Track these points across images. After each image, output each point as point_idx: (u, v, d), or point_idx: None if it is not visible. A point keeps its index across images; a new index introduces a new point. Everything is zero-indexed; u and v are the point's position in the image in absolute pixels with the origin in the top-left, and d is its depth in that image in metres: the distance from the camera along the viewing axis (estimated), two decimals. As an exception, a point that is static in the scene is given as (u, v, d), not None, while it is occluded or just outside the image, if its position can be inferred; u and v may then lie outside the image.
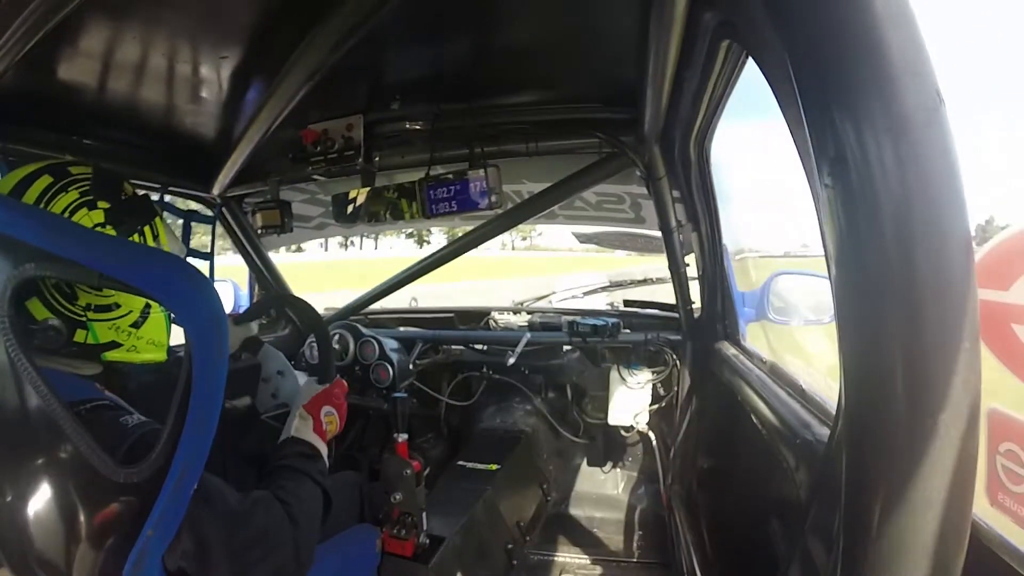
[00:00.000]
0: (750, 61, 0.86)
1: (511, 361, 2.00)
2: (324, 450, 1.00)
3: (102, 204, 0.79)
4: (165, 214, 1.33)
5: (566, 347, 2.15)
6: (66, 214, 0.76)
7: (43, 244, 0.70)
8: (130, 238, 0.81)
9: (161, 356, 0.87)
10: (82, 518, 0.69)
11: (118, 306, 0.80)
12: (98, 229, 0.78)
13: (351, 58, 1.04)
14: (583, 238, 2.72)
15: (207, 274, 1.47)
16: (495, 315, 2.37)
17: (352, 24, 0.94)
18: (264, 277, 2.17)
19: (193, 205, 1.83)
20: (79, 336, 0.77)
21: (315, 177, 1.63)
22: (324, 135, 1.44)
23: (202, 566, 0.73)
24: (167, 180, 1.61)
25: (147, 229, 0.84)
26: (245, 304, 2.20)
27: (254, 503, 0.79)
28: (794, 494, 0.75)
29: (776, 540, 0.83)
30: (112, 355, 0.81)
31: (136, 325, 0.82)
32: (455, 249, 1.91)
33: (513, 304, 2.54)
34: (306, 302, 1.33)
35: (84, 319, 0.77)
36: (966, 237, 0.37)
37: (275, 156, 1.63)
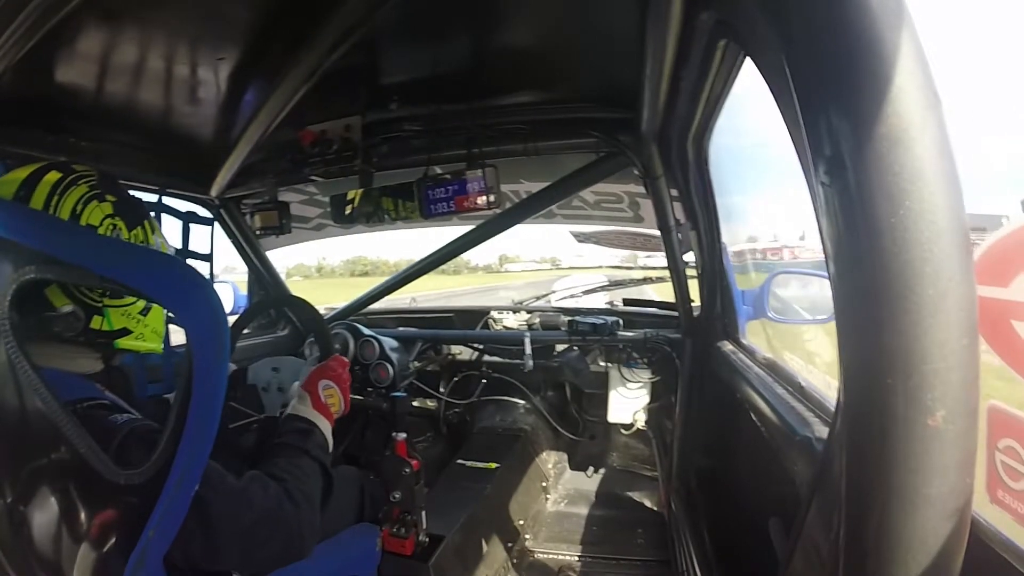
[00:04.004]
0: (748, 60, 0.86)
1: (529, 365, 1.99)
2: (327, 425, 0.98)
3: (110, 197, 0.82)
4: (164, 215, 1.33)
5: (565, 345, 2.15)
6: (78, 207, 0.78)
7: (46, 248, 0.70)
8: (134, 230, 0.84)
9: (159, 347, 0.90)
10: (83, 519, 0.69)
11: None
12: (108, 220, 0.80)
13: (349, 59, 1.04)
14: (581, 237, 2.72)
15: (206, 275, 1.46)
16: (494, 314, 2.37)
17: (350, 25, 0.95)
18: (263, 278, 2.17)
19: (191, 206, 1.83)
20: (95, 322, 0.80)
21: (313, 178, 1.63)
22: (322, 136, 1.44)
23: (210, 551, 0.73)
24: (165, 181, 1.61)
25: (147, 223, 0.87)
26: (244, 305, 2.19)
27: (250, 481, 0.79)
28: (793, 491, 0.75)
29: (776, 538, 0.83)
30: (124, 342, 0.84)
31: (144, 313, 0.86)
32: (454, 249, 1.91)
33: (512, 303, 2.54)
34: (306, 302, 1.32)
35: (100, 305, 0.80)
36: (963, 234, 0.37)
37: (274, 157, 1.63)
